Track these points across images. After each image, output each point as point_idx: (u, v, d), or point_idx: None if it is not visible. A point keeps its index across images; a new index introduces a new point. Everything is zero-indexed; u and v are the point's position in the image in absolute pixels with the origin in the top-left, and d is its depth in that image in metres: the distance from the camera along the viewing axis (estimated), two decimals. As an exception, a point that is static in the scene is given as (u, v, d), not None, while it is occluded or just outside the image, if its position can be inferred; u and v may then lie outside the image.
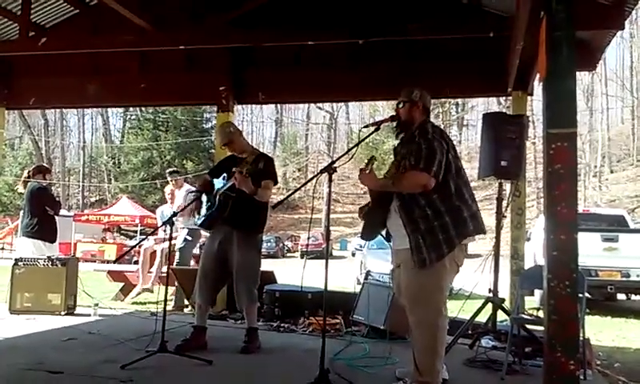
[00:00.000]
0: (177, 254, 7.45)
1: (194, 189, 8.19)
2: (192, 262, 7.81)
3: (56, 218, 7.25)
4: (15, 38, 6.99)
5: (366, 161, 3.58)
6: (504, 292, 5.45)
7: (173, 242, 5.83)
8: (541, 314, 4.33)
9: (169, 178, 8.35)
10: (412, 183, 3.43)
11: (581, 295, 3.67)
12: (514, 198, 5.93)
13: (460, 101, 46.58)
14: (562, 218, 2.77)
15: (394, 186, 3.55)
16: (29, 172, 7.38)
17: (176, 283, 7.14)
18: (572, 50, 2.78)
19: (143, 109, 44.18)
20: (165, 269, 6.18)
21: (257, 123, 60.19)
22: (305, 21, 6.41)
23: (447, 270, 3.46)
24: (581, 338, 3.59)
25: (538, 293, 7.97)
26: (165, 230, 7.44)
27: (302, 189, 33.22)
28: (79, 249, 24.66)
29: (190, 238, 7.61)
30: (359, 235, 4.05)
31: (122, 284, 8.86)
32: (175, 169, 8.79)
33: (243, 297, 4.70)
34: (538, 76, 5.80)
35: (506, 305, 5.16)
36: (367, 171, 3.53)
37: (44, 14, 7.23)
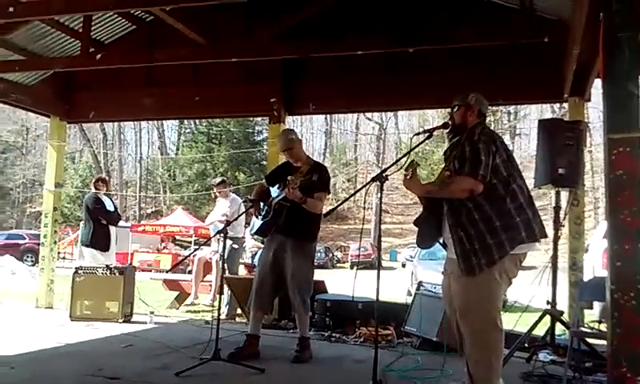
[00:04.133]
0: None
1: (240, 199, 8.33)
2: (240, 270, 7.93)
3: (110, 227, 7.54)
4: (76, 55, 7.27)
5: (406, 166, 3.40)
6: (562, 304, 5.27)
7: (220, 252, 5.91)
8: (602, 327, 4.17)
9: (215, 189, 8.44)
10: (458, 188, 3.30)
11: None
12: (572, 207, 5.72)
13: (512, 109, 45.48)
14: (626, 227, 2.66)
15: (439, 191, 3.42)
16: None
17: (229, 292, 7.25)
18: (634, 52, 2.67)
19: (197, 122, 45.23)
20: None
21: (307, 134, 60.52)
22: (355, 31, 6.43)
23: (497, 282, 3.29)
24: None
25: (597, 305, 7.65)
26: (218, 240, 7.57)
27: (351, 199, 33.10)
28: (136, 258, 25.32)
29: (236, 247, 7.72)
30: (415, 243, 3.92)
31: (177, 293, 9.05)
32: (222, 178, 8.91)
33: (297, 306, 4.72)
34: (595, 82, 5.64)
35: (565, 317, 4.99)
36: (409, 176, 3.39)
37: (104, 30, 7.50)
